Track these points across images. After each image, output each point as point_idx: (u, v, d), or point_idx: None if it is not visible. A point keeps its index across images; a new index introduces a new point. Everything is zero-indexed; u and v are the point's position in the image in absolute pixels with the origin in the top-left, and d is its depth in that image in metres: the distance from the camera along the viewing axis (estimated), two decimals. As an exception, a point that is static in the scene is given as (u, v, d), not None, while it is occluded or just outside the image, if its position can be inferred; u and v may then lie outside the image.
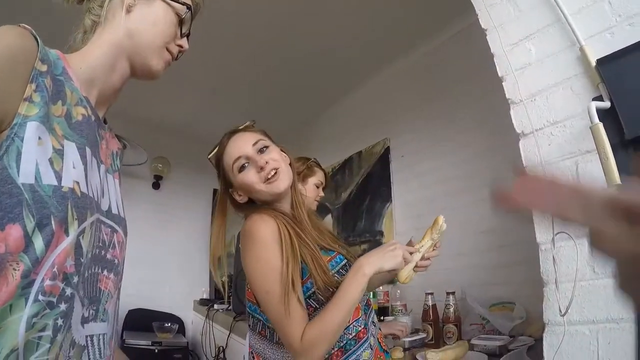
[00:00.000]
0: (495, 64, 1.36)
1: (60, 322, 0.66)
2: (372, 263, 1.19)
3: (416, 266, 1.31)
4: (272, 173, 1.31)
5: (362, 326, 1.28)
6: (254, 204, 1.41)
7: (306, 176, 2.35)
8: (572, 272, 1.09)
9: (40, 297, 0.63)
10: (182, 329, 4.51)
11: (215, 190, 5.25)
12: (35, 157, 0.64)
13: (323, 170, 2.49)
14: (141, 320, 4.20)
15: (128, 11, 0.88)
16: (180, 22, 0.95)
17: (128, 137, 3.71)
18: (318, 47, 3.25)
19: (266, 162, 1.31)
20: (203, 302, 4.42)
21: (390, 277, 1.49)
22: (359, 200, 3.63)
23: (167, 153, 4.85)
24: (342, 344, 1.24)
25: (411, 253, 1.30)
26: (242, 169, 1.33)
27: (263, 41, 3.20)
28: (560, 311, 1.08)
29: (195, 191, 5.16)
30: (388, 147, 3.37)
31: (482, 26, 1.40)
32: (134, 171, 4.52)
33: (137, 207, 4.47)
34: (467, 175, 2.63)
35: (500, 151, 2.38)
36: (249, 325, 1.41)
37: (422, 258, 1.33)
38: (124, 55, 0.87)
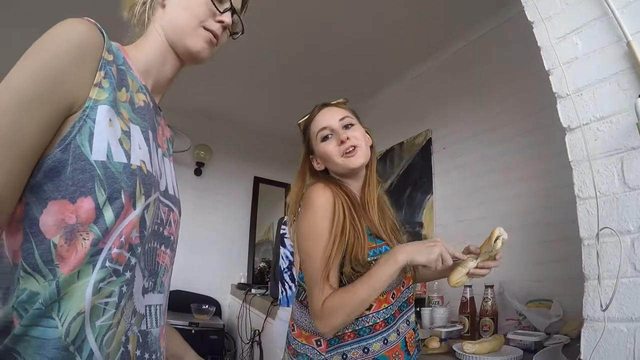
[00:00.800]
0: (542, 57, 1.34)
1: (125, 289, 0.71)
2: (406, 252, 1.22)
3: (469, 273, 1.31)
4: (351, 149, 1.39)
5: (382, 319, 1.32)
6: (328, 175, 1.48)
7: None
8: (614, 269, 1.08)
9: (108, 264, 0.68)
10: (219, 312, 4.65)
11: (255, 178, 5.35)
12: (106, 137, 0.69)
13: None
14: (180, 301, 4.33)
15: (162, 6, 0.92)
16: None
17: (171, 125, 3.82)
18: (359, 36, 3.25)
19: (347, 138, 1.39)
20: (241, 286, 4.53)
21: (441, 276, 1.51)
22: (400, 191, 3.63)
23: (209, 140, 4.95)
24: (357, 328, 1.30)
25: (457, 258, 1.28)
26: (325, 139, 1.43)
27: (304, 32, 3.24)
28: (602, 306, 1.08)
29: (236, 178, 5.26)
30: (430, 139, 3.35)
31: (529, 18, 1.38)
32: (176, 158, 4.59)
33: (180, 193, 4.59)
34: (508, 168, 2.61)
35: (541, 145, 2.36)
36: (296, 295, 1.49)
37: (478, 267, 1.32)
38: (169, 46, 0.92)
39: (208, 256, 4.88)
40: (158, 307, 0.86)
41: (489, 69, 2.88)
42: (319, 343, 1.34)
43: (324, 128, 1.43)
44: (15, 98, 0.62)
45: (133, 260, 0.74)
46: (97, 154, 0.67)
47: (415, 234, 3.34)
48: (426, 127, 3.42)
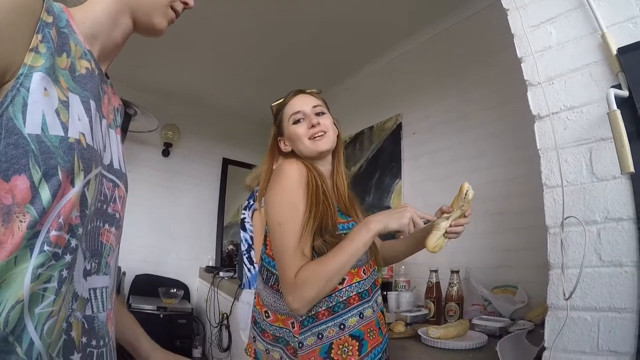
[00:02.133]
0: (515, 44, 1.34)
1: (65, 273, 0.67)
2: (378, 220, 1.26)
3: (445, 233, 1.38)
4: (320, 134, 1.46)
5: (355, 293, 1.35)
6: (295, 156, 1.52)
7: None
8: (579, 258, 1.09)
9: (46, 248, 0.63)
10: (187, 295, 4.61)
11: (224, 159, 5.29)
12: (41, 108, 0.63)
13: None
14: (147, 285, 4.31)
15: None
16: None
17: (139, 104, 3.72)
18: (332, 18, 3.21)
19: (318, 123, 1.46)
20: (209, 269, 4.50)
21: (418, 246, 1.58)
22: (369, 175, 3.64)
23: (177, 121, 4.86)
24: (331, 305, 1.31)
25: (429, 221, 1.35)
26: (297, 122, 1.49)
27: (275, 11, 3.17)
28: (564, 295, 1.09)
29: (205, 159, 5.19)
30: (400, 124, 3.36)
31: (504, 5, 1.37)
32: (144, 138, 4.54)
33: (146, 174, 4.52)
34: (478, 155, 2.64)
35: (511, 133, 2.38)
36: (262, 279, 1.48)
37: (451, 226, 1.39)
38: (127, 11, 0.86)
39: (176, 239, 4.83)
40: (104, 289, 0.81)
41: (463, 55, 2.88)
42: (293, 325, 1.33)
43: (297, 112, 1.49)
44: None
45: (73, 242, 0.69)
46: (31, 126, 0.61)
47: (384, 219, 3.34)
48: (397, 111, 3.42)
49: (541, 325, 1.16)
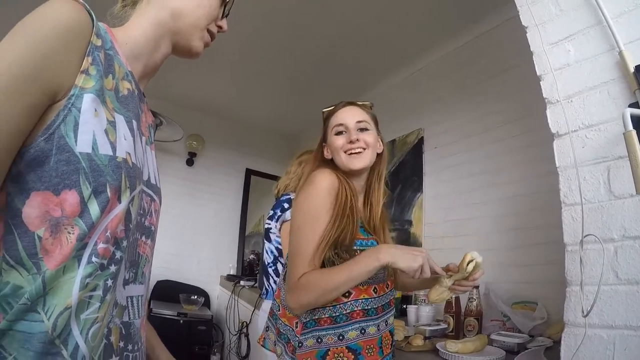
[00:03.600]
0: (534, 62, 1.35)
1: (109, 282, 0.71)
2: (390, 254, 1.25)
3: (450, 288, 1.36)
4: (357, 150, 1.46)
5: (360, 308, 1.36)
6: (335, 166, 1.53)
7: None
8: (597, 275, 1.09)
9: (94, 259, 0.67)
10: (207, 303, 4.65)
11: (247, 170, 5.34)
12: (92, 128, 0.67)
13: None
14: (169, 291, 4.35)
15: None
16: (224, 3, 0.97)
17: (165, 114, 3.80)
18: (354, 32, 3.24)
19: (357, 139, 1.46)
20: (230, 277, 4.53)
21: (420, 288, 1.60)
22: (390, 188, 3.59)
23: (201, 131, 4.93)
24: (334, 315, 1.35)
25: (436, 273, 1.30)
26: (338, 133, 1.50)
27: (299, 26, 3.22)
28: (583, 312, 1.09)
29: (228, 169, 5.25)
30: (422, 138, 3.36)
31: (523, 23, 1.38)
32: (169, 147, 4.62)
33: (170, 183, 4.58)
34: (499, 170, 2.62)
35: (532, 149, 2.37)
36: (283, 275, 1.53)
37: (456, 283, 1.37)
38: (168, 35, 0.90)
39: (198, 247, 4.88)
40: (139, 297, 0.85)
41: (484, 70, 2.88)
42: (296, 325, 1.39)
43: (341, 124, 1.51)
44: None
45: (118, 254, 0.73)
46: (82, 145, 0.65)
47: (404, 232, 3.35)
48: (419, 125, 3.43)
49: (560, 342, 1.16)
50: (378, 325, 1.39)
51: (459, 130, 3.01)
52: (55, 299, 0.63)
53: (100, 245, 0.68)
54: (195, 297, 4.21)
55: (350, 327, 1.35)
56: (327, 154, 1.55)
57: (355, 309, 1.36)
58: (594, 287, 1.09)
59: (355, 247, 1.36)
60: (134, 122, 0.80)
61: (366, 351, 1.35)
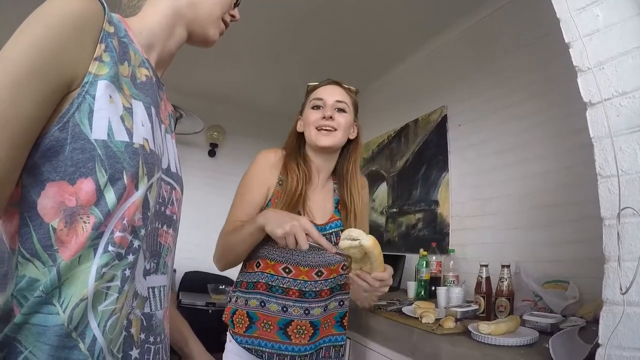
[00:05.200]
0: (562, 29, 1.29)
1: (127, 272, 0.70)
2: (265, 216, 1.30)
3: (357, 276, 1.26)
4: (327, 128, 1.47)
5: (264, 281, 1.43)
6: (301, 140, 1.59)
7: None
8: (636, 251, 1.04)
9: (110, 248, 0.66)
10: (235, 291, 4.67)
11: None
12: (107, 115, 0.66)
13: None
14: (196, 282, 4.44)
15: None
16: None
17: (185, 107, 3.81)
18: (372, 11, 3.18)
19: (331, 117, 1.46)
20: (257, 265, 4.53)
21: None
22: (415, 168, 3.59)
23: (222, 122, 4.95)
24: (247, 281, 1.48)
25: (321, 247, 1.23)
26: (315, 107, 1.51)
27: (315, 8, 3.17)
28: (621, 289, 1.04)
29: (250, 158, 5.19)
30: (445, 116, 3.30)
31: (548, -11, 1.32)
32: (190, 139, 4.65)
33: (193, 174, 4.62)
34: (525, 146, 2.55)
35: (559, 123, 2.29)
36: None
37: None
38: (183, 23, 0.90)
39: (223, 236, 4.89)
40: (162, 288, 0.84)
41: (506, 43, 2.79)
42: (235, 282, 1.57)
43: (320, 99, 1.51)
44: (10, 74, 0.58)
45: (136, 243, 0.72)
46: (97, 132, 0.64)
47: (431, 212, 3.31)
48: (441, 103, 3.36)
49: (593, 322, 1.12)
50: (285, 307, 1.41)
51: (483, 107, 2.94)
52: (71, 289, 0.62)
53: (117, 234, 0.67)
54: (223, 286, 4.24)
55: (253, 296, 1.43)
56: (300, 127, 1.57)
57: (260, 280, 1.43)
58: (632, 264, 1.04)
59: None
60: (153, 109, 0.79)
61: (261, 324, 1.40)
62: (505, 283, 2.07)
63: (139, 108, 0.74)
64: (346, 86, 1.58)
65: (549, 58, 2.32)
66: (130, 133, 0.69)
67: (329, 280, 1.47)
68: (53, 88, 0.62)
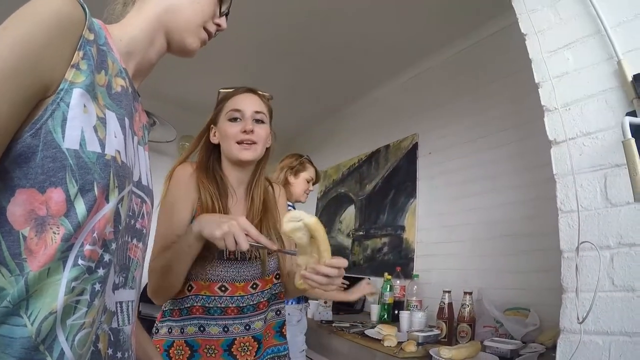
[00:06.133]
0: (533, 69, 1.36)
1: (97, 287, 0.67)
2: (199, 222, 1.20)
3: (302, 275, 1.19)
4: (249, 142, 1.40)
5: (199, 304, 1.32)
6: (218, 151, 1.50)
7: (298, 171, 2.68)
8: (593, 282, 1.10)
9: (80, 262, 0.64)
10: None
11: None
12: (80, 124, 0.64)
13: (314, 167, 2.79)
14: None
15: None
16: (220, 0, 0.95)
17: (158, 114, 3.78)
18: (351, 37, 3.24)
19: (252, 131, 1.39)
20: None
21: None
22: (384, 193, 3.65)
23: (194, 132, 4.88)
24: (180, 308, 1.34)
25: (261, 245, 1.18)
26: (233, 120, 1.42)
27: (295, 28, 3.21)
28: (578, 319, 1.09)
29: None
30: (416, 143, 3.38)
31: (522, 31, 1.40)
32: (162, 148, 4.59)
33: (162, 184, 4.54)
34: (493, 176, 2.64)
35: (528, 156, 2.38)
36: None
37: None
38: (162, 31, 0.88)
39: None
40: (130, 303, 0.82)
41: (481, 76, 2.90)
42: (160, 312, 1.42)
43: (237, 110, 1.43)
44: None
45: (107, 257, 0.70)
46: (69, 141, 0.62)
47: (397, 237, 3.36)
48: (413, 131, 3.44)
49: (553, 348, 1.17)
50: (226, 327, 1.32)
51: (454, 136, 3.02)
52: (39, 302, 0.60)
53: (87, 247, 0.65)
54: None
55: (189, 322, 1.32)
56: (215, 138, 1.48)
57: (195, 304, 1.32)
58: (589, 294, 1.09)
59: None
60: (126, 120, 0.77)
61: (204, 350, 1.30)
62: (467, 309, 2.11)
63: (112, 118, 0.72)
64: (260, 93, 1.52)
65: (520, 93, 2.41)
66: (102, 144, 0.68)
67: (265, 292, 1.41)
68: (30, 92, 0.60)
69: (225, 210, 1.37)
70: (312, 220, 1.10)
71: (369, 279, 2.32)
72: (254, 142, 1.41)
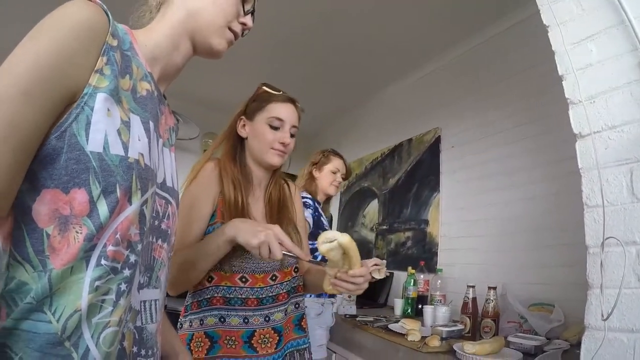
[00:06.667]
0: (556, 62, 1.33)
1: (123, 287, 0.70)
2: (235, 227, 1.24)
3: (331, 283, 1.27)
4: (282, 151, 1.48)
5: (220, 295, 1.35)
6: (242, 145, 1.55)
7: (322, 164, 2.65)
8: (618, 279, 1.08)
9: (103, 262, 0.66)
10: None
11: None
12: (104, 128, 0.66)
13: (341, 157, 2.73)
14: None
15: None
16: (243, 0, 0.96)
17: (181, 113, 3.83)
18: (371, 31, 3.23)
19: (287, 144, 1.48)
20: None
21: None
22: (407, 187, 3.63)
23: (217, 129, 4.92)
24: (199, 299, 1.37)
25: (292, 254, 1.23)
26: (274, 127, 1.48)
27: (316, 22, 3.21)
28: (603, 316, 1.08)
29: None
30: (439, 137, 3.35)
31: (544, 22, 1.37)
32: (185, 145, 4.65)
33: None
34: (515, 171, 2.60)
35: (551, 149, 2.34)
36: None
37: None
38: (187, 35, 0.89)
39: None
40: (153, 302, 0.84)
41: (503, 68, 2.85)
42: (183, 307, 1.44)
43: (282, 120, 1.48)
44: (17, 85, 0.59)
45: (132, 258, 0.72)
46: (93, 144, 0.65)
47: (420, 231, 3.35)
48: (436, 124, 3.42)
49: (577, 345, 1.15)
50: (246, 319, 1.35)
51: (477, 130, 2.99)
52: (63, 300, 0.62)
53: (110, 248, 0.67)
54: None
55: (209, 313, 1.34)
56: (243, 131, 1.53)
57: (216, 295, 1.35)
58: (614, 290, 1.08)
59: None
60: (151, 124, 0.79)
61: (224, 341, 1.32)
62: (491, 304, 2.10)
63: (136, 122, 0.74)
64: (299, 106, 1.58)
65: (541, 87, 2.38)
66: (125, 147, 0.69)
67: (284, 284, 1.44)
68: (59, 98, 0.63)
69: (245, 201, 1.42)
70: (346, 239, 1.16)
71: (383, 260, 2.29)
72: (285, 154, 1.50)
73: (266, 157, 1.47)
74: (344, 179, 2.75)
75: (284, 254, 1.18)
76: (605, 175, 1.16)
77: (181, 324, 1.40)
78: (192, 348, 1.33)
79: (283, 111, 1.50)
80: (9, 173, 0.58)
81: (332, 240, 1.17)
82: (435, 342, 1.91)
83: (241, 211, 1.38)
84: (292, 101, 1.54)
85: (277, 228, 1.22)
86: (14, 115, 0.58)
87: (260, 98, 1.54)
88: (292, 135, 1.51)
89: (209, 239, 1.29)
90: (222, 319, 1.34)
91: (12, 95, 0.59)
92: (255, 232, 1.18)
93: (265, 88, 1.56)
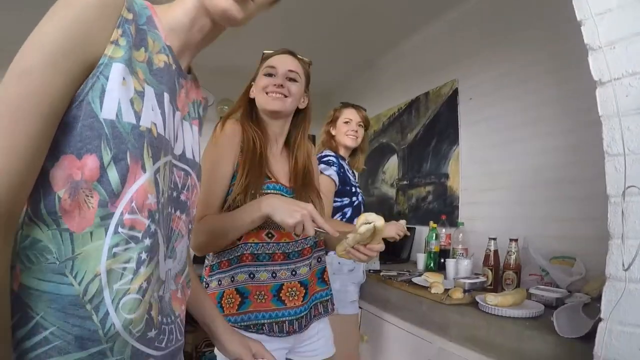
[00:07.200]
0: (574, 6, 1.28)
1: (144, 256, 0.72)
2: (271, 205, 1.28)
3: (346, 250, 1.33)
4: (278, 93, 1.49)
5: (249, 252, 1.41)
6: (254, 107, 1.58)
7: (335, 119, 2.63)
8: (639, 229, 1.07)
9: (120, 230, 0.69)
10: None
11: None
12: (118, 96, 0.68)
13: (352, 106, 2.66)
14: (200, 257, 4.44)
15: None
16: None
17: (194, 82, 3.82)
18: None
19: (282, 86, 1.49)
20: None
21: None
22: (425, 141, 3.60)
23: (232, 95, 4.89)
24: (229, 257, 1.42)
25: (323, 231, 1.27)
26: (267, 75, 1.53)
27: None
28: (624, 266, 1.07)
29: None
30: (456, 89, 3.28)
31: (562, -34, 1.32)
32: (200, 114, 4.66)
33: (203, 148, 4.61)
34: (535, 122, 2.55)
35: (571, 99, 2.27)
36: None
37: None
38: (203, 11, 0.86)
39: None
40: (168, 272, 0.86)
41: (519, 18, 2.75)
42: (206, 268, 1.50)
43: (273, 67, 1.53)
44: (44, 56, 0.63)
45: (153, 227, 0.74)
46: (106, 112, 0.67)
47: (441, 185, 3.34)
48: (453, 77, 3.34)
49: (598, 298, 1.15)
50: (274, 273, 1.42)
51: (494, 81, 2.91)
52: (84, 265, 0.66)
53: (127, 216, 0.69)
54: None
55: (240, 270, 1.41)
56: (252, 93, 1.59)
57: (245, 252, 1.41)
58: (636, 241, 1.07)
59: (262, 191, 1.41)
60: (166, 95, 0.80)
61: (255, 296, 1.39)
62: (513, 257, 2.11)
63: (150, 93, 0.76)
64: (299, 57, 1.60)
65: (561, 34, 2.29)
66: (138, 116, 0.71)
67: (308, 238, 1.50)
68: (81, 68, 0.65)
69: (264, 153, 1.46)
70: (381, 223, 1.26)
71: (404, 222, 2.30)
72: (284, 96, 1.49)
73: (263, 103, 1.51)
74: (364, 128, 2.66)
75: (315, 230, 1.24)
76: (627, 123, 1.14)
77: (207, 284, 1.45)
78: (223, 305, 1.39)
79: (275, 60, 1.55)
80: (41, 137, 0.62)
81: (371, 222, 1.25)
82: (458, 294, 1.94)
83: (258, 162, 1.42)
84: (288, 52, 1.59)
85: (310, 206, 1.26)
86: (44, 85, 0.62)
87: (261, 61, 1.62)
88: (291, 80, 1.52)
89: (243, 213, 1.33)
90: (251, 275, 1.41)
91: (40, 66, 0.62)
92: (292, 212, 1.22)
93: (264, 52, 1.63)
